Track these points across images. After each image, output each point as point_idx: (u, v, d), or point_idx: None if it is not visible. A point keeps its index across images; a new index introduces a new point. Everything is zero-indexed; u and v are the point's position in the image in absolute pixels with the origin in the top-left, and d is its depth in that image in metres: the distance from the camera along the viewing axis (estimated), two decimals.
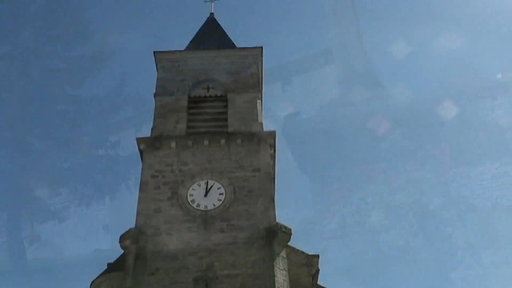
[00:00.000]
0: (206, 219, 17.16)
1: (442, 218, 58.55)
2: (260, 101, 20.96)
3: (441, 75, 65.48)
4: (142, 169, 18.65)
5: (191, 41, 24.24)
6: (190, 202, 17.59)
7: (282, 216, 17.55)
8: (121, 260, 17.46)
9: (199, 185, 17.99)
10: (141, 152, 19.12)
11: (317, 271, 19.13)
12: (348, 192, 63.93)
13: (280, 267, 16.18)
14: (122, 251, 17.30)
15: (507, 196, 56.87)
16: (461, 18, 66.98)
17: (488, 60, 67.16)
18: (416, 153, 61.24)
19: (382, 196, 60.35)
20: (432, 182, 60.14)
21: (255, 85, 21.17)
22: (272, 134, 19.43)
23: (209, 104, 20.87)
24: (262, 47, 22.25)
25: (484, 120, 60.14)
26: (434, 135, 62.05)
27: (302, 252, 18.83)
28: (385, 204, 59.83)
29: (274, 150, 19.92)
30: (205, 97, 20.98)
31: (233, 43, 23.87)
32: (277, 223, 16.69)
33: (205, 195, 17.72)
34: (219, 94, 20.92)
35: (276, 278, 15.72)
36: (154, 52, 22.15)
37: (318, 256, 18.94)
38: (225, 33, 24.92)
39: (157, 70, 22.00)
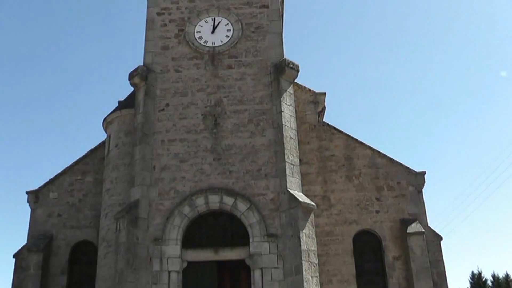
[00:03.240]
0: (214, 55, 16.97)
1: None
2: None
3: None
4: (148, 6, 18.09)
5: None
6: (197, 39, 17.30)
7: (289, 53, 17.31)
8: (131, 97, 17.63)
9: (206, 22, 17.55)
10: None
11: (323, 108, 19.32)
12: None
13: (287, 103, 16.26)
14: (132, 89, 17.41)
15: None
16: None
17: None
18: None
19: None
20: None
21: None
22: None
23: None
24: None
25: None
26: None
27: (309, 90, 18.88)
28: None
29: None
30: None
31: None
32: (284, 59, 16.47)
33: (213, 32, 17.35)
34: None
35: (283, 113, 15.87)
36: None
37: (324, 93, 19.01)
38: None
39: None
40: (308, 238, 14.32)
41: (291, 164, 15.42)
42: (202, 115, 16.22)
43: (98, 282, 15.77)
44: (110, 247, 15.62)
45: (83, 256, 17.91)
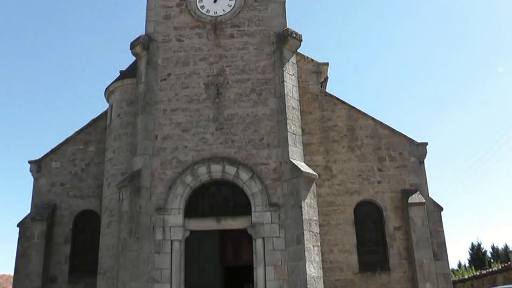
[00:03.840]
0: (216, 25, 16.77)
1: None
2: None
3: None
4: None
5: None
6: (199, 8, 17.08)
7: (292, 22, 17.11)
8: (133, 67, 17.50)
9: None
10: None
11: (326, 79, 19.17)
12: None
13: (290, 73, 16.14)
14: (134, 59, 17.28)
15: None
16: None
17: None
18: None
19: None
20: None
21: None
22: None
23: None
24: None
25: None
26: None
27: (312, 60, 18.71)
28: None
29: None
30: None
31: None
32: (287, 28, 16.28)
33: (215, 1, 17.11)
34: None
35: (285, 83, 15.76)
36: None
37: (327, 64, 18.84)
38: None
39: None
40: (309, 208, 14.35)
41: (293, 134, 15.37)
42: (204, 84, 16.11)
43: (101, 251, 15.89)
44: (113, 216, 15.70)
45: (86, 226, 18.01)
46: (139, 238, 14.41)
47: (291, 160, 14.84)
